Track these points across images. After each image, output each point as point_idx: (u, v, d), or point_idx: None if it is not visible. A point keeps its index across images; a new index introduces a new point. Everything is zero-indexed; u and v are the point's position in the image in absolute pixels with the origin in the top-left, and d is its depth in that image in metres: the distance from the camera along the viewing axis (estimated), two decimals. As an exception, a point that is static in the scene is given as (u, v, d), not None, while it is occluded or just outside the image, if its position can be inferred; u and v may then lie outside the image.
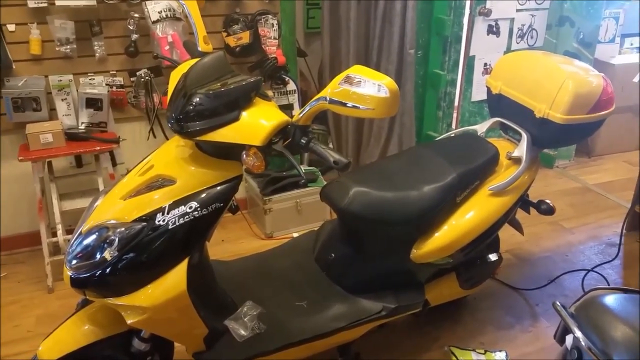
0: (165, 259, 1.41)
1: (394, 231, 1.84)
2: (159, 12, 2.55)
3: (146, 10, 2.54)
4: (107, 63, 2.67)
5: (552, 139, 2.04)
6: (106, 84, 2.66)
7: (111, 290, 1.42)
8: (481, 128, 2.16)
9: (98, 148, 2.48)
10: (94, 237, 1.42)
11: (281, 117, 1.36)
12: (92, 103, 2.55)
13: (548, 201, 2.14)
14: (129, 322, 1.41)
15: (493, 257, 2.17)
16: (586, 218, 3.15)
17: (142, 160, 1.56)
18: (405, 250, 1.86)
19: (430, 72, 3.21)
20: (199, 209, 1.40)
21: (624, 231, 2.94)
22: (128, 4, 2.57)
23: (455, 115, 3.39)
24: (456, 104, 3.37)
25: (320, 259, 2.01)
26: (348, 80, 1.22)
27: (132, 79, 2.72)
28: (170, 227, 1.38)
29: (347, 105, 1.24)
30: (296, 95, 2.97)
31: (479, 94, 3.37)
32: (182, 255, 1.42)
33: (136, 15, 2.57)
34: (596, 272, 2.56)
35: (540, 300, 2.44)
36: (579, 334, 0.91)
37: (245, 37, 2.70)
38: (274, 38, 2.76)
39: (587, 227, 3.06)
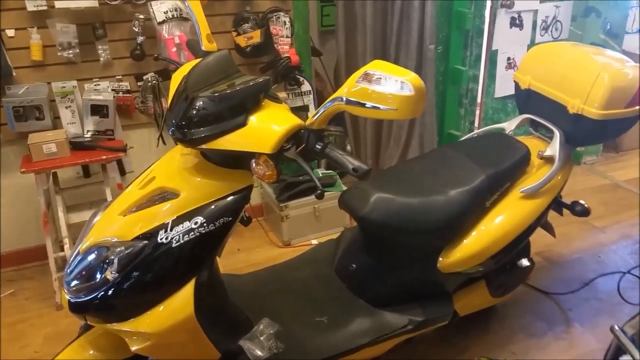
0: (170, 279, 1.29)
1: (419, 240, 1.71)
2: (164, 13, 2.44)
3: (151, 10, 2.44)
4: (112, 67, 2.56)
5: (587, 135, 1.89)
6: (112, 90, 2.56)
7: (113, 314, 1.30)
8: (509, 126, 2.01)
9: (104, 157, 2.38)
10: (92, 256, 1.31)
11: (293, 121, 1.23)
12: (98, 110, 2.46)
13: (582, 202, 1.99)
14: (133, 349, 1.30)
15: (525, 262, 2.03)
16: (617, 216, 2.97)
17: (144, 172, 1.45)
18: (432, 259, 1.72)
19: (451, 68, 3.06)
20: (205, 224, 1.28)
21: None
22: (132, 5, 2.46)
23: (477, 112, 3.23)
24: (479, 100, 3.21)
25: (341, 270, 1.89)
26: (367, 77, 1.09)
27: (139, 83, 2.62)
28: (174, 245, 1.26)
29: (367, 105, 1.11)
30: (311, 96, 2.84)
31: (502, 89, 3.22)
32: (189, 274, 1.30)
33: (141, 16, 2.46)
34: (633, 274, 2.40)
35: (573, 305, 2.29)
36: (647, 364, 0.78)
37: (256, 36, 2.58)
38: (287, 37, 2.64)
39: (619, 226, 2.89)
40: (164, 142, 2.75)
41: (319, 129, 1.24)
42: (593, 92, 1.74)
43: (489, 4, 3.00)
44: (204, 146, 1.25)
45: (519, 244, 1.84)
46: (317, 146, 1.22)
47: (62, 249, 2.42)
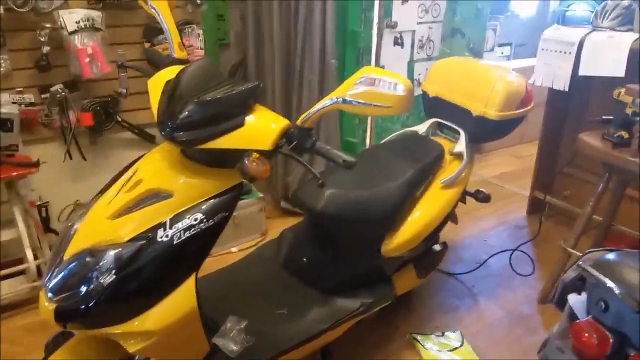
0: (171, 276, 1.32)
1: (367, 229, 1.91)
2: (76, 22, 2.36)
3: (61, 20, 2.33)
4: (12, 79, 2.39)
5: (487, 134, 2.25)
6: (13, 102, 2.39)
7: (108, 318, 1.29)
8: (422, 128, 2.32)
9: (15, 174, 2.22)
10: (82, 262, 1.28)
11: (284, 121, 1.35)
12: (1, 124, 2.28)
13: (483, 190, 2.36)
14: (131, 350, 1.30)
15: (438, 247, 2.35)
16: (491, 207, 3.48)
17: (120, 177, 1.44)
18: (376, 246, 1.94)
19: (347, 81, 3.34)
20: (204, 220, 1.33)
21: (526, 214, 3.35)
22: (36, 13, 2.34)
23: (369, 121, 3.56)
24: (369, 110, 3.54)
25: (289, 265, 2.01)
26: (364, 80, 1.26)
27: (43, 95, 2.47)
28: (175, 242, 1.30)
29: (364, 104, 1.28)
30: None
31: (389, 100, 3.58)
32: (189, 270, 1.34)
33: (47, 25, 2.35)
34: (521, 250, 2.87)
35: (475, 282, 2.67)
36: (611, 283, 1.05)
37: (172, 48, 2.60)
38: (200, 48, 2.70)
39: (494, 214, 3.40)
40: (70, 157, 2.63)
41: (308, 127, 1.38)
42: (491, 97, 2.11)
43: (376, 24, 3.36)
44: (202, 146, 1.32)
45: (441, 227, 2.15)
46: (307, 143, 1.36)
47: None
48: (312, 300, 1.89)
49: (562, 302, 1.33)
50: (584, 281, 1.30)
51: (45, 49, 2.38)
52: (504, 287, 2.63)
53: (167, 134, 1.32)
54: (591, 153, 2.20)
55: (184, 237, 1.31)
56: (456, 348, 2.15)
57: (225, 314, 1.67)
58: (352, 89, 1.28)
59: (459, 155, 2.19)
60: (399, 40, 3.53)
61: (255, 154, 1.33)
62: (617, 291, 1.05)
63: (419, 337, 2.21)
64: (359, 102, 1.28)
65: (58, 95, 2.46)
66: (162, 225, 1.31)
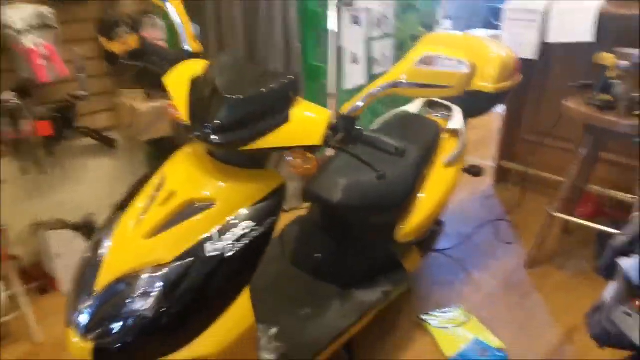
0: (224, 294, 1.20)
1: (385, 216, 1.85)
2: (24, 20, 2.08)
3: (5, 17, 2.05)
4: (-49, 89, 2.09)
5: (481, 107, 2.26)
6: (-45, 117, 2.09)
7: (156, 351, 1.16)
8: (414, 107, 2.28)
9: (-25, 197, 1.95)
10: (123, 291, 1.13)
11: (326, 111, 1.26)
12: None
13: (476, 164, 2.37)
14: (187, 381, 1.17)
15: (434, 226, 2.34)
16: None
17: (141, 188, 1.28)
18: (391, 232, 1.89)
19: (309, 64, 3.24)
20: (255, 227, 1.22)
21: (495, 183, 3.45)
22: (-25, 12, 2.04)
23: (333, 104, 3.48)
24: (331, 92, 3.47)
25: (300, 261, 1.92)
26: (422, 60, 1.18)
27: (-12, 106, 2.18)
28: (227, 254, 1.18)
29: (424, 85, 1.20)
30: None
31: (350, 82, 3.52)
32: (243, 284, 1.23)
33: (-10, 25, 2.06)
34: (502, 219, 2.95)
35: (463, 255, 2.70)
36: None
37: (133, 42, 2.37)
38: (165, 41, 2.49)
39: (463, 186, 3.43)
40: (27, 172, 2.36)
41: (353, 116, 1.28)
42: (486, 70, 2.09)
43: (336, 4, 3.27)
44: (247, 147, 1.19)
45: (446, 207, 2.13)
46: (354, 133, 1.27)
47: None
48: (333, 296, 1.81)
49: (609, 269, 1.36)
50: (632, 245, 1.33)
51: (-12, 54, 2.09)
52: (491, 256, 2.69)
53: (203, 137, 1.18)
54: (578, 118, 2.26)
55: (236, 249, 1.19)
56: (464, 323, 2.16)
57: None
58: (408, 71, 1.20)
59: (454, 132, 2.18)
60: (356, 19, 3.46)
61: (299, 150, 1.23)
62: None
63: (425, 318, 2.20)
64: (418, 85, 1.20)
65: (8, 104, 2.18)
66: (209, 238, 1.18)
